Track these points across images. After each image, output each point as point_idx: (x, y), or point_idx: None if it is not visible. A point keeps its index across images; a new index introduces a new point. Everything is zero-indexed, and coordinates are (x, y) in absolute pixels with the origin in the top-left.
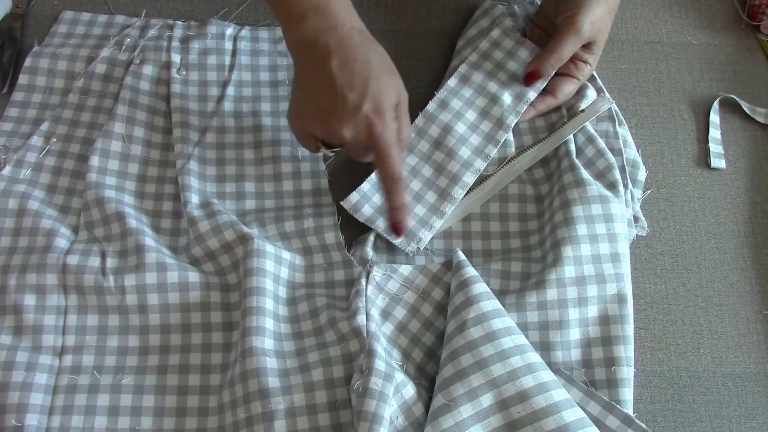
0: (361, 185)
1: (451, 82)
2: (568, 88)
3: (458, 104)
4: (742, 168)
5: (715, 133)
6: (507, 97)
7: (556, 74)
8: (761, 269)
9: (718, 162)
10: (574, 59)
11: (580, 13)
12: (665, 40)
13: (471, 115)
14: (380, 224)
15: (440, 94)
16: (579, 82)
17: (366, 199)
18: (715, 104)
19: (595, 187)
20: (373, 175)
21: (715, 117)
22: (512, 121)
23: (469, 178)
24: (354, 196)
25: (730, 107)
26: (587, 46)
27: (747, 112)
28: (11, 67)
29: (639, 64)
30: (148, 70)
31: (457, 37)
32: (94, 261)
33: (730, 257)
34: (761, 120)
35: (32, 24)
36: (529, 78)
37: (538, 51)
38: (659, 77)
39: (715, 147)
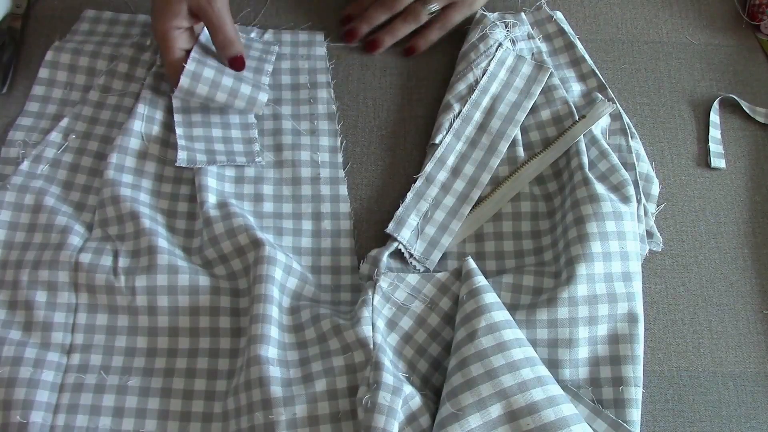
0: (396, 212)
1: (465, 108)
2: (457, 16)
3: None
4: (742, 168)
5: (715, 132)
6: (504, 108)
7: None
8: (761, 269)
9: (718, 162)
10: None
11: None
12: (665, 40)
13: (470, 131)
14: (418, 247)
15: (456, 123)
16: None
17: (402, 223)
18: (715, 104)
19: (609, 203)
20: (407, 198)
21: (715, 117)
22: (512, 130)
23: (476, 194)
24: (391, 224)
25: (730, 107)
26: None
27: (747, 112)
28: (11, 67)
29: (639, 64)
30: None
31: (456, 36)
32: (107, 260)
33: (730, 257)
34: (761, 120)
35: (32, 24)
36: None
37: (539, 66)
38: (659, 77)
39: (715, 147)
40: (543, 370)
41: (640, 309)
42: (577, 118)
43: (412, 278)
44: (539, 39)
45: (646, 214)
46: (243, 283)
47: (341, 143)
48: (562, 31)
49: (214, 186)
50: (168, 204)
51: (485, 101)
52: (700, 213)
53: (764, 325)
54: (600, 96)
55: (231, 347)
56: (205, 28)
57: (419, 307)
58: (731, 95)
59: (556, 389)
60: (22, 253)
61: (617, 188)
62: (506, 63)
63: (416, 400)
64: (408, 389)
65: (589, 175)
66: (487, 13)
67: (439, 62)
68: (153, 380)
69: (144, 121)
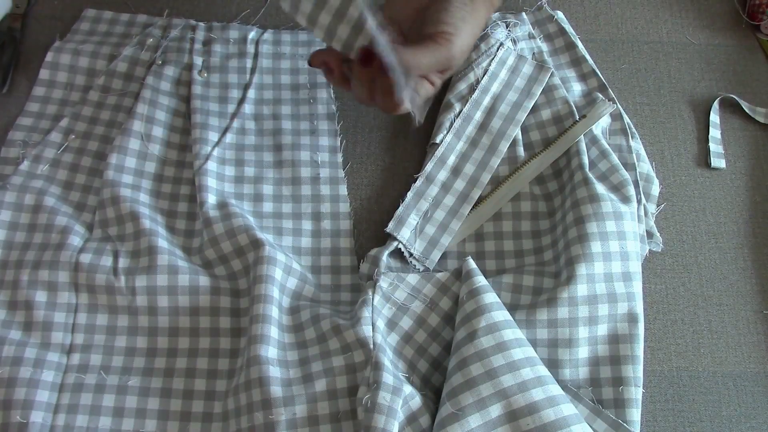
0: (396, 211)
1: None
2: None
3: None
4: (742, 168)
5: (715, 132)
6: (504, 108)
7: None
8: (761, 269)
9: (718, 162)
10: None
11: (457, 36)
12: (665, 40)
13: (470, 131)
14: (417, 246)
15: (456, 123)
16: (416, 98)
17: (402, 222)
18: (715, 104)
19: (610, 203)
20: (407, 197)
21: (715, 117)
22: (512, 130)
23: (476, 194)
24: (391, 223)
25: (730, 107)
26: (441, 71)
27: (747, 112)
28: (11, 67)
29: (639, 64)
30: (170, 71)
31: None
32: (107, 260)
33: (730, 257)
34: (761, 120)
35: (32, 24)
36: (366, 56)
37: (540, 66)
38: (659, 77)
39: (715, 147)
40: (543, 370)
41: (640, 309)
42: (578, 117)
43: (412, 278)
44: (540, 39)
45: (646, 214)
46: (243, 283)
47: (341, 143)
48: (562, 31)
49: (214, 186)
50: (168, 204)
51: (486, 101)
52: (700, 213)
53: (764, 325)
54: (600, 96)
55: (231, 347)
56: None
57: (419, 307)
58: (731, 95)
59: (556, 389)
60: (22, 253)
61: (617, 188)
62: (507, 63)
63: (416, 400)
64: (408, 389)
65: (590, 175)
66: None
67: None
68: (153, 380)
69: (144, 121)
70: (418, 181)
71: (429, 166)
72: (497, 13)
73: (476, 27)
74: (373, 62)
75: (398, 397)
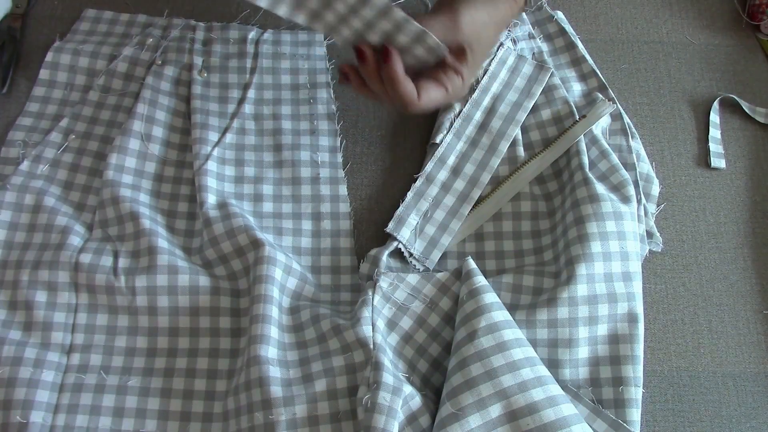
0: (396, 211)
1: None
2: (433, 93)
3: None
4: (742, 168)
5: (715, 132)
6: (504, 108)
7: (422, 76)
8: (761, 269)
9: (718, 162)
10: (445, 66)
11: (462, 12)
12: (665, 40)
13: (470, 131)
14: (417, 246)
15: (456, 124)
16: (447, 94)
17: (402, 222)
18: (715, 104)
19: (610, 203)
20: (407, 197)
21: (715, 117)
22: (512, 130)
23: (476, 194)
24: (391, 223)
25: (730, 107)
26: (460, 53)
27: (747, 112)
28: (11, 67)
29: (639, 64)
30: (170, 71)
31: None
32: (107, 260)
33: (730, 257)
34: (761, 120)
35: (32, 24)
36: (360, 53)
37: (540, 66)
38: (659, 77)
39: (715, 147)
40: (543, 370)
41: (640, 309)
42: (578, 117)
43: (412, 278)
44: (540, 39)
45: (646, 214)
46: (243, 283)
47: (341, 143)
48: (562, 31)
49: (214, 186)
50: (168, 204)
51: (486, 101)
52: (700, 213)
53: (764, 325)
54: (600, 96)
55: (231, 347)
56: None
57: (419, 307)
58: (731, 95)
59: (556, 389)
60: (22, 253)
61: (617, 188)
62: (507, 63)
63: (416, 400)
64: (408, 389)
65: (590, 175)
66: None
67: None
68: (153, 380)
69: (143, 121)
70: (418, 181)
71: (429, 166)
72: None
73: (495, 17)
74: (366, 58)
75: (398, 397)
